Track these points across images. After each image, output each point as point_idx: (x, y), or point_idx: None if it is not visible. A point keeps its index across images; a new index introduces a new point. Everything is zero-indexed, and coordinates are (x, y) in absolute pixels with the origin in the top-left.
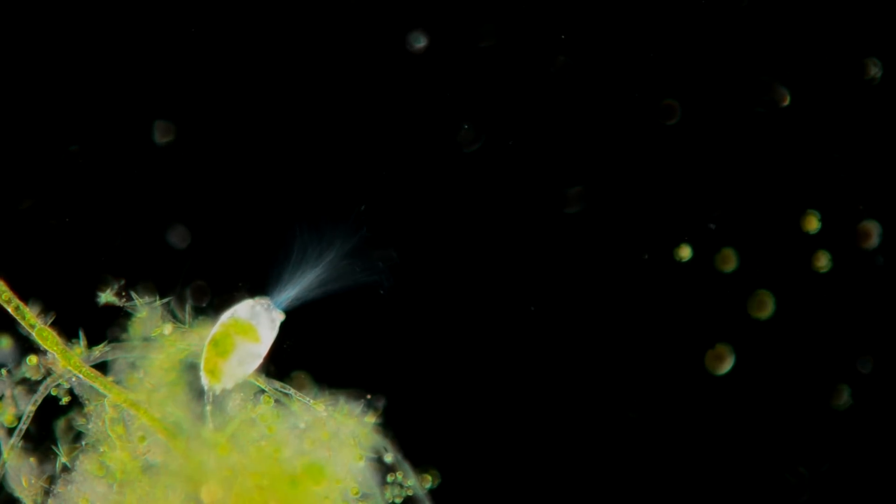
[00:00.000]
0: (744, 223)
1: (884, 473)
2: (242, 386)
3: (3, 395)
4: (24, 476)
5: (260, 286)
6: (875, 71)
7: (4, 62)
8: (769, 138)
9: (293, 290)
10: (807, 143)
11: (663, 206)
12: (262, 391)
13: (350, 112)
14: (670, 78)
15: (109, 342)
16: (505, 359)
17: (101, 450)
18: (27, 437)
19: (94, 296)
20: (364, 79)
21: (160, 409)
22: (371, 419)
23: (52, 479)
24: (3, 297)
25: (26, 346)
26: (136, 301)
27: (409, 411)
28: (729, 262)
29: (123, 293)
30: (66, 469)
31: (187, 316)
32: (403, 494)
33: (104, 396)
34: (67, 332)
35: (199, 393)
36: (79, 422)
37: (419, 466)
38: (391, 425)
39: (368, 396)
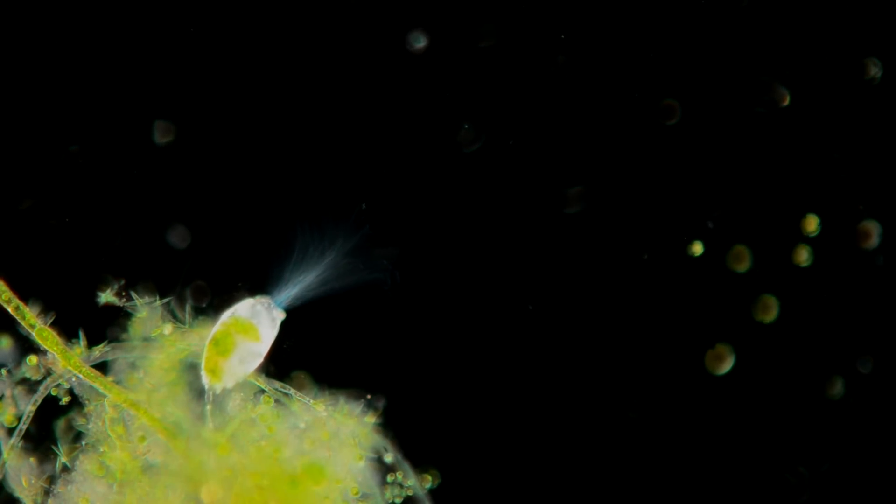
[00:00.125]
0: (744, 223)
1: (884, 473)
2: (242, 386)
3: (3, 395)
4: (24, 476)
5: (260, 285)
6: (875, 71)
7: (4, 62)
8: (769, 138)
9: (294, 289)
10: (807, 143)
11: (663, 206)
12: (262, 391)
13: (350, 112)
14: (670, 78)
15: (109, 342)
16: (505, 359)
17: (101, 450)
18: (27, 437)
19: (94, 296)
20: (364, 79)
21: (160, 409)
22: (371, 419)
23: (52, 479)
24: (3, 297)
25: (26, 346)
26: (136, 301)
27: (409, 411)
28: (742, 260)
29: (123, 293)
30: (66, 469)
31: (187, 316)
32: (403, 494)
33: (104, 396)
34: (67, 332)
35: (199, 393)
36: (79, 422)
37: (419, 466)
38: (391, 425)
39: (368, 396)
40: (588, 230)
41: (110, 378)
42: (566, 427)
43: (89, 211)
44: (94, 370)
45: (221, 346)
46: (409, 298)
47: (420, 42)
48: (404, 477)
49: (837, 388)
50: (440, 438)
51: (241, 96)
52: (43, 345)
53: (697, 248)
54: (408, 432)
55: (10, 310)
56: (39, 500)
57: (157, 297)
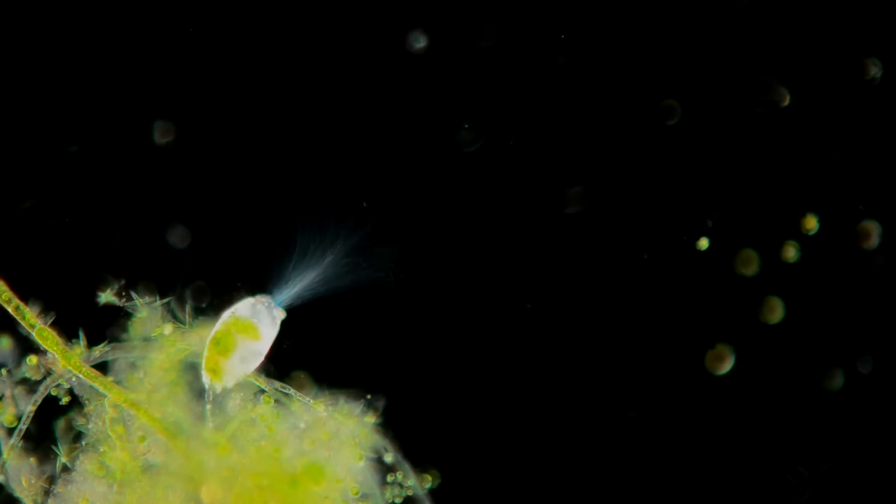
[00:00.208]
0: (743, 223)
1: (884, 473)
2: (242, 386)
3: (3, 395)
4: (24, 476)
5: (261, 285)
6: (875, 71)
7: (4, 62)
8: (769, 138)
9: (294, 288)
10: (807, 143)
11: (663, 205)
12: (262, 391)
13: (350, 111)
14: (670, 78)
15: (109, 342)
16: (505, 359)
17: (101, 450)
18: (27, 437)
19: (94, 296)
20: (364, 79)
21: (160, 409)
22: (371, 419)
23: (52, 479)
24: (3, 297)
25: (26, 346)
26: (136, 301)
27: (409, 411)
28: (750, 264)
29: (123, 293)
30: (66, 469)
31: (187, 316)
32: (403, 494)
33: (104, 396)
34: (67, 332)
35: (199, 393)
36: (79, 422)
37: (419, 466)
38: (391, 425)
39: (368, 396)
40: (588, 230)
41: (110, 378)
42: (566, 427)
43: (89, 211)
44: (94, 370)
45: (222, 345)
46: (409, 298)
47: (420, 42)
48: (404, 477)
49: (837, 379)
50: (440, 438)
51: (241, 96)
52: (43, 345)
53: (703, 243)
54: (408, 432)
55: (10, 310)
56: (39, 500)
57: (157, 297)
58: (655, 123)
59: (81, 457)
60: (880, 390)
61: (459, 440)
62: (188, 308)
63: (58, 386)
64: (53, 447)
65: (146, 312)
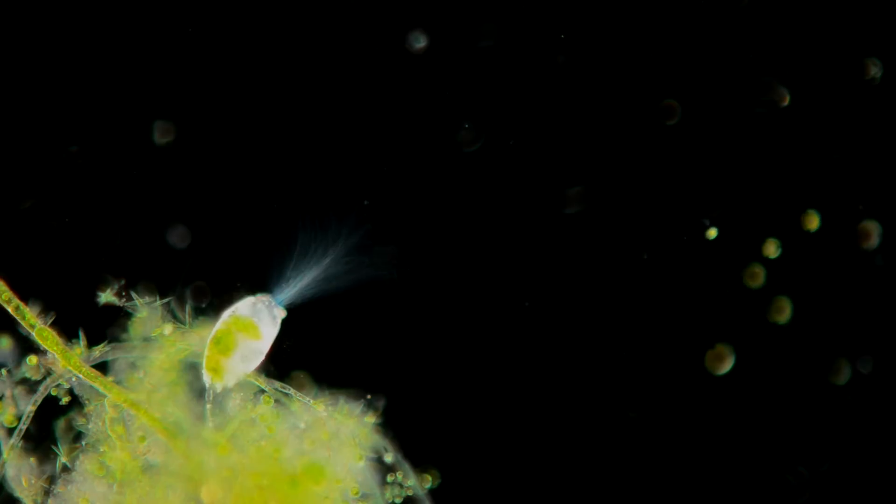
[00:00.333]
0: (743, 223)
1: (884, 473)
2: (242, 386)
3: (3, 395)
4: (24, 476)
5: (261, 284)
6: (875, 71)
7: (4, 62)
8: (769, 138)
9: (295, 287)
10: (807, 143)
11: (663, 205)
12: (262, 391)
13: (351, 112)
14: (670, 78)
15: (109, 342)
16: (505, 359)
17: (101, 450)
18: (27, 437)
19: (94, 296)
20: (364, 78)
21: (160, 409)
22: (371, 419)
23: (52, 479)
24: (3, 297)
25: (26, 346)
26: (136, 301)
27: (409, 411)
28: (757, 278)
29: (123, 293)
30: (66, 469)
31: (187, 316)
32: (403, 494)
33: (104, 396)
34: (67, 332)
35: (199, 393)
36: (79, 422)
37: (419, 466)
38: (391, 425)
39: (368, 396)
40: (588, 230)
41: (110, 378)
42: (566, 427)
43: (89, 211)
44: (94, 370)
45: (223, 344)
46: (409, 298)
47: (420, 42)
48: (404, 477)
49: (843, 374)
50: (440, 438)
51: (241, 96)
52: (43, 345)
53: (712, 233)
54: (408, 432)
55: (10, 310)
56: (39, 500)
57: (157, 297)
58: (655, 123)
59: (81, 457)
60: (880, 390)
61: (459, 440)
62: (188, 308)
63: (58, 386)
64: (53, 447)
65: (146, 312)
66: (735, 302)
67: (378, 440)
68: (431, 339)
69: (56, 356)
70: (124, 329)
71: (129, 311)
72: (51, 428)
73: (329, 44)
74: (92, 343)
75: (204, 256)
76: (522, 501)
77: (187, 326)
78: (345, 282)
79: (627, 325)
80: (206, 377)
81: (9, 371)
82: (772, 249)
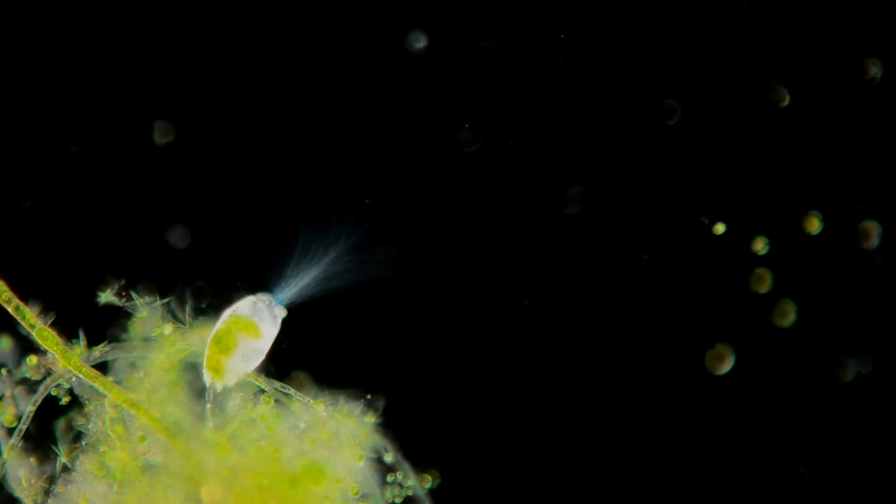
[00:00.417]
0: (744, 223)
1: (884, 473)
2: (242, 386)
3: (3, 395)
4: (24, 476)
5: (261, 283)
6: (875, 71)
7: (4, 62)
8: (769, 138)
9: (295, 286)
10: (807, 143)
11: (663, 205)
12: (262, 391)
13: (351, 111)
14: (670, 78)
15: (109, 342)
16: (505, 359)
17: (101, 450)
18: (27, 437)
19: (94, 296)
20: (365, 78)
21: (160, 409)
22: (371, 419)
23: (52, 479)
24: (3, 297)
25: (26, 346)
26: (136, 301)
27: (409, 411)
28: (764, 283)
29: (123, 293)
30: (66, 469)
31: (187, 316)
32: (403, 494)
33: (104, 396)
34: (67, 332)
35: (199, 393)
36: (79, 422)
37: (419, 466)
38: (391, 425)
39: (368, 396)
40: (588, 230)
41: (110, 378)
42: (566, 427)
43: (89, 211)
44: (94, 370)
45: (223, 343)
46: (409, 298)
47: (420, 42)
48: (404, 477)
49: (850, 371)
50: (440, 438)
51: (241, 96)
52: (43, 345)
53: (720, 228)
54: (408, 432)
55: (10, 310)
56: (39, 500)
57: (157, 297)
58: (655, 123)
59: (81, 457)
60: (880, 390)
61: (459, 440)
62: (188, 308)
63: (58, 386)
64: (53, 447)
65: (146, 312)
66: (735, 302)
67: (378, 440)
68: (431, 339)
69: (56, 356)
70: (124, 329)
71: (129, 311)
72: (51, 428)
73: (329, 44)
74: (92, 343)
75: (204, 256)
76: (522, 501)
77: (187, 326)
78: (345, 281)
79: (627, 325)
80: (207, 376)
81: (9, 371)
82: (760, 246)
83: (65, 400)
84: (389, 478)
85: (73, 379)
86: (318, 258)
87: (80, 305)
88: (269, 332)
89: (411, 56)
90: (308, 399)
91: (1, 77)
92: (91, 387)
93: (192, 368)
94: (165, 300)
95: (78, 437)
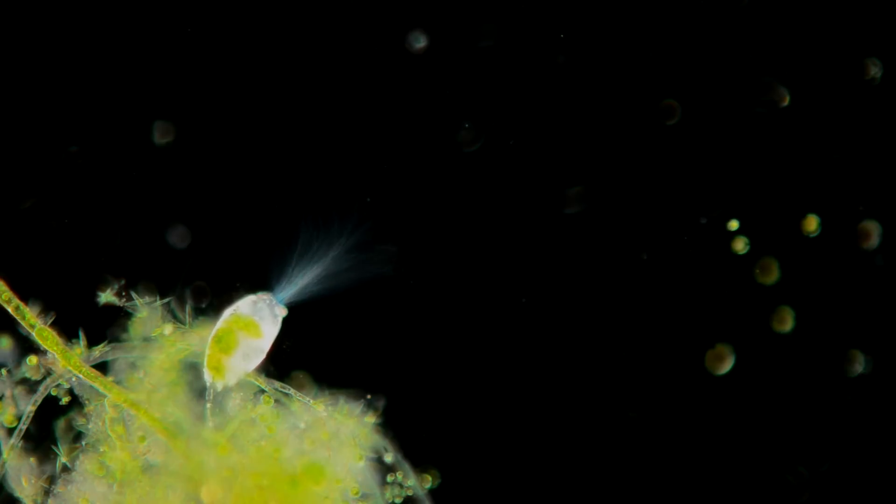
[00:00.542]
0: (743, 223)
1: (884, 473)
2: (242, 385)
3: (3, 395)
4: (24, 476)
5: (262, 282)
6: (875, 71)
7: (4, 62)
8: (769, 138)
9: (296, 285)
10: (807, 143)
11: (663, 205)
12: (262, 391)
13: (351, 111)
14: (670, 78)
15: (109, 342)
16: (505, 359)
17: (101, 450)
18: (27, 437)
19: (94, 296)
20: (365, 78)
21: (160, 409)
22: (371, 419)
23: (52, 479)
24: (3, 297)
25: (26, 346)
26: (136, 301)
27: (409, 411)
28: (770, 272)
29: (123, 293)
30: (66, 469)
31: (187, 316)
32: (403, 494)
33: (104, 396)
34: (67, 332)
35: (199, 393)
36: (79, 422)
37: (419, 466)
38: (391, 425)
39: (368, 396)
40: (588, 230)
41: (110, 378)
42: (566, 427)
43: (89, 211)
44: (94, 370)
45: (224, 342)
46: (409, 298)
47: (420, 42)
48: (404, 477)
49: (857, 365)
50: (440, 438)
51: (241, 96)
52: (43, 345)
53: (734, 224)
54: (408, 432)
55: (10, 310)
56: (39, 500)
57: (157, 297)
58: (655, 123)
59: (81, 457)
60: (880, 390)
61: (459, 440)
62: (188, 308)
63: (58, 386)
64: (53, 447)
65: (146, 312)
66: (735, 301)
67: (378, 440)
68: (431, 338)
69: (56, 356)
70: (124, 329)
71: (129, 311)
72: (51, 428)
73: (329, 43)
74: (92, 343)
75: (204, 256)
76: (522, 501)
77: (187, 326)
78: (346, 280)
79: (627, 325)
80: (208, 376)
81: (9, 371)
82: (740, 246)
83: (65, 400)
84: (389, 478)
85: (73, 379)
86: (319, 257)
87: (80, 305)
88: (269, 331)
89: (411, 56)
90: (308, 399)
91: (1, 77)
92: (91, 387)
93: (192, 368)
94: (165, 300)
95: (78, 437)
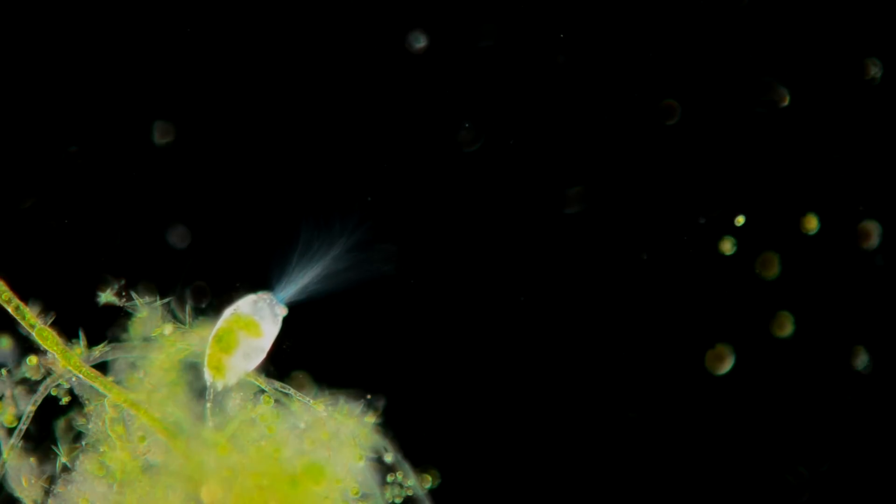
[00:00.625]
0: (743, 223)
1: (884, 473)
2: (242, 385)
3: (3, 395)
4: (24, 476)
5: (262, 282)
6: (875, 71)
7: (4, 62)
8: (769, 138)
9: (296, 284)
10: (807, 143)
11: (663, 205)
12: (262, 391)
13: (351, 112)
14: (670, 78)
15: (109, 342)
16: (505, 359)
17: (101, 450)
18: (27, 437)
19: (94, 296)
20: (365, 78)
21: (160, 409)
22: (371, 419)
23: (52, 479)
24: (3, 297)
25: (26, 346)
26: (136, 301)
27: (409, 411)
28: (770, 267)
29: (123, 293)
30: (66, 469)
31: (187, 316)
32: (403, 494)
33: (104, 396)
34: (67, 332)
35: (199, 393)
36: (79, 422)
37: (419, 466)
38: (391, 425)
39: (368, 396)
40: (588, 230)
41: (110, 378)
42: (566, 427)
43: (89, 211)
44: (94, 370)
45: (224, 342)
46: (409, 298)
47: (420, 42)
48: (404, 477)
49: (862, 359)
50: (440, 438)
51: (241, 96)
52: (43, 345)
53: (740, 220)
54: (408, 432)
55: (10, 310)
56: (39, 500)
57: (157, 297)
58: (655, 123)
59: (81, 457)
60: (880, 390)
61: (459, 440)
62: (188, 308)
63: (58, 386)
64: (53, 447)
65: (146, 312)
66: (735, 301)
67: (378, 440)
68: (431, 338)
69: (56, 356)
70: (124, 329)
71: (129, 311)
72: (51, 428)
73: (329, 43)
74: (92, 343)
75: (204, 256)
76: (522, 501)
77: (187, 326)
78: (346, 279)
79: (627, 325)
80: (208, 375)
81: (9, 371)
82: (728, 247)
83: (65, 400)
84: (389, 478)
85: (73, 379)
86: (320, 256)
87: (80, 305)
88: (269, 330)
89: (411, 56)
90: (308, 399)
91: (1, 77)
92: (91, 387)
93: (192, 368)
94: (165, 300)
95: (78, 437)
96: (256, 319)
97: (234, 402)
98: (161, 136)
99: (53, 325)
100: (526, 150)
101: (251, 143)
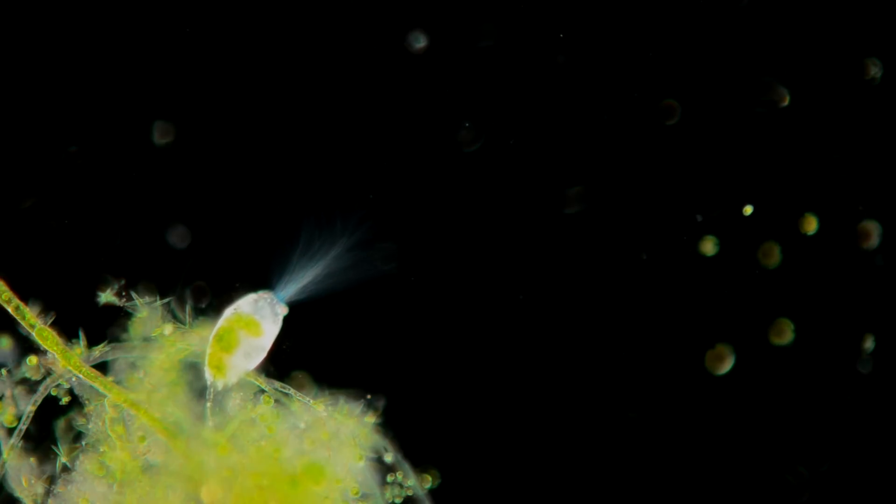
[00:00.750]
0: (743, 223)
1: (884, 473)
2: (242, 385)
3: (3, 395)
4: (24, 476)
5: (262, 282)
6: (875, 71)
7: (4, 62)
8: (769, 138)
9: (296, 284)
10: (807, 143)
11: (663, 205)
12: (262, 391)
13: (351, 111)
14: (670, 78)
15: (109, 342)
16: (505, 359)
17: (101, 450)
18: (27, 437)
19: (94, 296)
20: (365, 78)
21: (160, 409)
22: (371, 419)
23: (52, 479)
24: (3, 297)
25: (26, 346)
26: (136, 301)
27: (409, 411)
28: (772, 256)
29: (123, 293)
30: (66, 469)
31: (187, 316)
32: (403, 494)
33: (104, 396)
34: (67, 332)
35: (199, 393)
36: (79, 422)
37: (419, 466)
38: (391, 425)
39: (368, 396)
40: (588, 230)
41: (110, 378)
42: (566, 427)
43: (89, 211)
44: (94, 370)
45: (225, 341)
46: (409, 298)
47: (420, 42)
48: (404, 477)
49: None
50: (440, 438)
51: (241, 96)
52: (43, 345)
53: (748, 210)
54: (408, 432)
55: (10, 310)
56: (39, 500)
57: (157, 297)
58: (655, 123)
59: (81, 457)
60: (880, 390)
61: (459, 440)
62: (188, 308)
63: (58, 386)
64: (53, 447)
65: (146, 312)
66: (735, 302)
67: (378, 440)
68: (431, 338)
69: (56, 356)
70: (124, 329)
71: (129, 311)
72: (51, 428)
73: (329, 43)
74: (92, 343)
75: (204, 256)
76: (522, 501)
77: (187, 326)
78: (346, 279)
79: (627, 325)
80: (209, 374)
81: (9, 371)
82: (709, 247)
83: (65, 400)
84: (389, 478)
85: (73, 379)
86: (320, 255)
87: (80, 305)
88: (270, 329)
89: (411, 56)
90: (308, 399)
91: (1, 77)
92: (91, 387)
93: (192, 368)
94: (165, 300)
95: (78, 437)
96: (257, 318)
97: (234, 402)
98: (161, 136)
99: (53, 325)
100: (526, 150)
101: (251, 143)
